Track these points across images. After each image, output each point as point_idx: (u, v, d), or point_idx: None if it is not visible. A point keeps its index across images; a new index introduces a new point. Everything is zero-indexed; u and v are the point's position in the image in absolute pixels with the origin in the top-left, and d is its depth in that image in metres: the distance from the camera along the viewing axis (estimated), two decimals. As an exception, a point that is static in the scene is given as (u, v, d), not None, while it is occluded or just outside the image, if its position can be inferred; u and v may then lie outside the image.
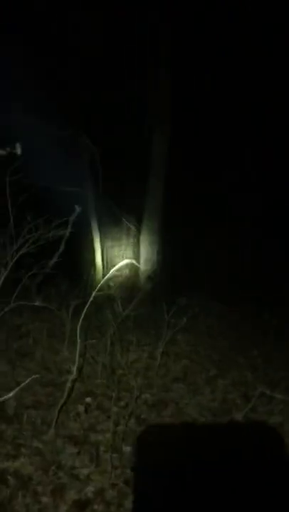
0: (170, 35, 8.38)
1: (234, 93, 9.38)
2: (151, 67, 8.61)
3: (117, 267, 3.20)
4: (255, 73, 9.29)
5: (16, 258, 4.27)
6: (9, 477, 2.57)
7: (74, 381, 3.74)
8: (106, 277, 3.23)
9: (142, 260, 8.66)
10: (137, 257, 8.71)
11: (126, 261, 3.27)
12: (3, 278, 4.18)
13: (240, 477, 2.74)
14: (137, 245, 9.03)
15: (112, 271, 3.20)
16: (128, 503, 2.44)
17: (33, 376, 2.95)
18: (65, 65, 8.04)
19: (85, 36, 7.91)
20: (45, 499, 2.42)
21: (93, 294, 3.17)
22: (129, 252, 9.18)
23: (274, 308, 6.69)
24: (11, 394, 2.42)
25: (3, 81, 6.58)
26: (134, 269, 8.35)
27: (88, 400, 3.70)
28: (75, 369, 3.35)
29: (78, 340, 3.19)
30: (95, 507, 2.40)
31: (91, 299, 3.16)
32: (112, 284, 3.48)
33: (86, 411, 3.50)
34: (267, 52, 8.89)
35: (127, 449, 2.99)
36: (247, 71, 9.28)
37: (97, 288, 3.18)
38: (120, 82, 8.78)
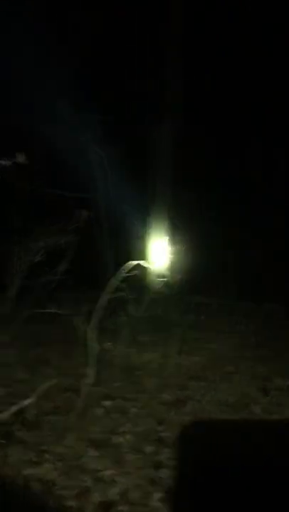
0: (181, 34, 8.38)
1: (236, 93, 9.40)
2: (159, 69, 8.65)
3: (127, 268, 3.22)
4: (254, 74, 9.30)
5: (28, 266, 4.31)
6: (34, 483, 2.60)
7: (91, 385, 3.77)
8: (117, 279, 3.25)
9: (153, 260, 8.66)
10: (148, 258, 8.70)
11: (137, 262, 3.29)
12: (17, 287, 4.22)
13: (264, 472, 2.75)
14: (147, 246, 9.03)
15: (123, 272, 3.23)
16: (153, 503, 2.46)
17: (51, 381, 2.98)
18: (69, 65, 8.07)
19: (86, 36, 7.96)
20: (70, 503, 2.44)
21: (106, 297, 3.20)
22: (140, 253, 9.18)
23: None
24: (29, 400, 2.45)
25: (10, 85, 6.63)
26: (145, 269, 8.35)
27: (107, 402, 3.72)
28: (91, 373, 3.37)
29: (93, 344, 3.22)
30: (121, 508, 2.42)
31: (104, 302, 3.18)
32: (124, 285, 3.50)
33: (106, 414, 3.53)
34: (267, 51, 8.88)
35: (149, 449, 3.01)
36: (248, 70, 9.27)
37: (110, 291, 3.20)
38: (127, 82, 8.82)
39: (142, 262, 3.31)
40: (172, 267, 8.83)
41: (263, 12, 8.42)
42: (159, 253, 8.76)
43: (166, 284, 8.26)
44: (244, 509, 2.42)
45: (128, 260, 3.37)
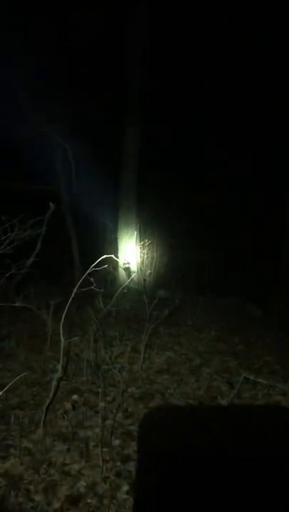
0: (145, 37, 8.39)
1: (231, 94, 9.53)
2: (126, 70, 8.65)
3: (96, 263, 3.20)
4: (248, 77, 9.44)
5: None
6: (0, 478, 2.57)
7: (59, 379, 3.75)
8: (85, 274, 3.23)
9: (120, 255, 8.67)
10: (115, 253, 8.71)
11: (104, 256, 3.27)
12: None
13: (228, 463, 2.80)
14: (115, 241, 9.04)
15: (91, 267, 3.21)
16: (120, 495, 2.47)
17: (19, 376, 2.94)
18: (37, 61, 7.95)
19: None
20: (37, 497, 2.43)
21: (74, 291, 3.17)
22: (108, 247, 9.18)
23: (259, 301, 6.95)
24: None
25: None
26: (113, 264, 8.35)
27: (75, 397, 3.70)
28: (60, 367, 3.35)
29: (62, 339, 3.19)
30: (88, 501, 2.42)
31: (72, 296, 3.15)
32: (92, 280, 3.47)
33: (73, 408, 3.51)
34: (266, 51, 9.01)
35: (116, 442, 3.02)
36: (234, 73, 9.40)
37: (78, 285, 3.18)
38: (97, 83, 8.81)
39: (111, 257, 3.29)
40: (142, 263, 8.89)
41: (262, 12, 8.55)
42: (129, 248, 8.80)
43: (136, 279, 8.31)
44: (206, 498, 2.47)
45: (97, 254, 3.34)
